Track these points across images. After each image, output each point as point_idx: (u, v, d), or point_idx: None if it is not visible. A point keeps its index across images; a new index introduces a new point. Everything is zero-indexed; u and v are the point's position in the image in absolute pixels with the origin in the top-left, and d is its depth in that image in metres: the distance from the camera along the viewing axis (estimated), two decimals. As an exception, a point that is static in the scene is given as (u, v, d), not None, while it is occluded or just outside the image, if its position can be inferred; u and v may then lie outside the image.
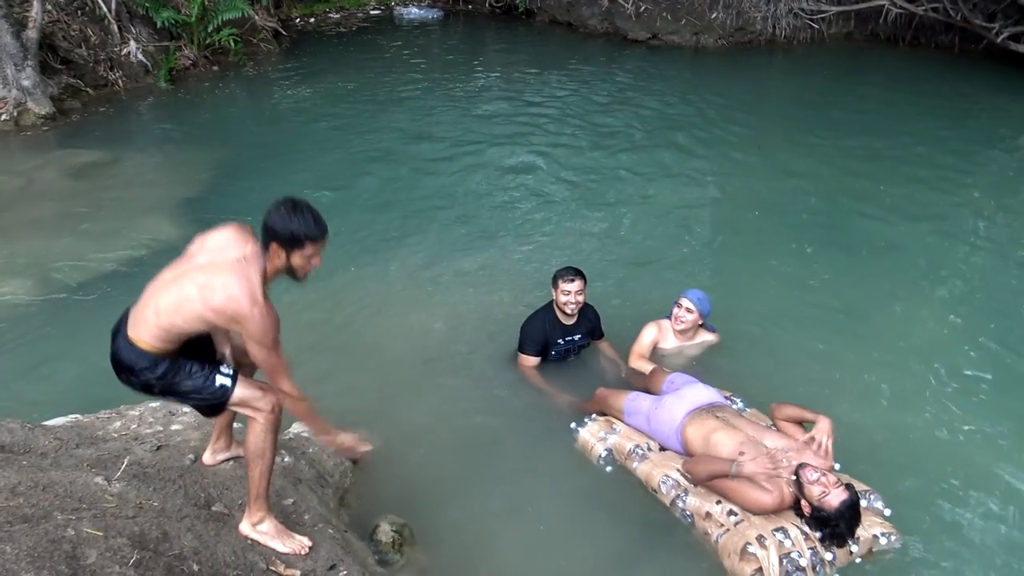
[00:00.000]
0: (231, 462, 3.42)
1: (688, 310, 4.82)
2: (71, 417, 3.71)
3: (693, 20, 12.51)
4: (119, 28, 10.71)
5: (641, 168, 8.23)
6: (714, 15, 12.39)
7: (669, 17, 12.57)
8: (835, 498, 3.41)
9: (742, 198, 7.62)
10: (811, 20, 12.34)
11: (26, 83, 9.29)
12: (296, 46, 12.87)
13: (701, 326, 4.96)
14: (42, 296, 5.80)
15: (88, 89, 10.28)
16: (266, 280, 2.71)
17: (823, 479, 3.46)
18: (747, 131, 9.26)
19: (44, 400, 4.32)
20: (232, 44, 11.47)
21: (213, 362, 2.86)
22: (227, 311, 2.59)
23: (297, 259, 2.70)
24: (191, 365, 2.78)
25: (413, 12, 15.35)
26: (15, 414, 3.47)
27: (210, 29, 11.37)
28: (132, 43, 10.75)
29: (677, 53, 12.40)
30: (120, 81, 10.61)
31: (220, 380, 2.80)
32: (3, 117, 9.17)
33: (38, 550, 2.19)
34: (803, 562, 3.42)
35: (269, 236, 2.67)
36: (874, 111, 9.89)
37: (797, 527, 3.53)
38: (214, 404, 2.85)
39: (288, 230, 2.65)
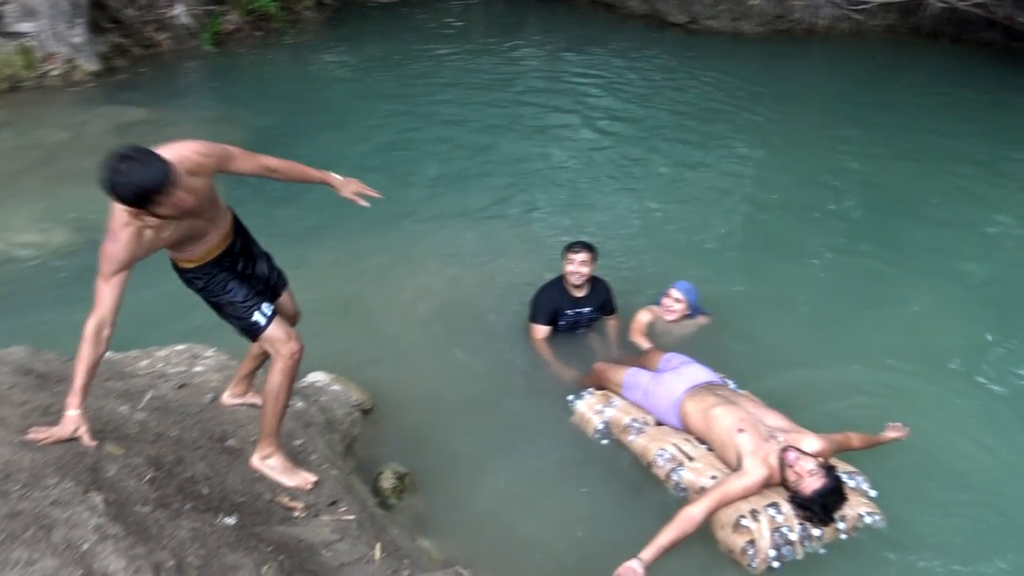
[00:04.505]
0: (246, 407, 3.66)
1: (677, 300, 5.04)
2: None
3: (732, 5, 12.45)
4: (167, -10, 11.01)
5: (670, 152, 8.33)
6: (754, 2, 12.32)
7: (709, 1, 12.54)
8: (808, 486, 3.54)
9: (768, 188, 7.67)
10: (852, 10, 12.20)
11: (76, 40, 9.61)
12: (338, 15, 13.05)
13: (688, 315, 5.14)
14: (84, 243, 6.09)
15: (135, 49, 10.59)
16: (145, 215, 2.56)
17: (798, 467, 3.58)
18: (781, 121, 9.26)
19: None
20: (275, 11, 11.70)
21: (262, 297, 3.08)
22: None
23: (161, 210, 2.51)
24: (230, 284, 3.00)
25: (456, -13, 15.39)
26: (54, 347, 3.72)
27: (255, -5, 11.63)
28: (179, 6, 11.02)
29: (714, 38, 12.37)
30: (166, 42, 10.91)
31: (256, 316, 3.02)
32: (54, 73, 9.51)
33: (64, 460, 2.43)
34: (792, 536, 3.55)
35: (118, 200, 2.47)
36: (912, 108, 9.78)
37: (789, 503, 3.66)
38: (247, 331, 3.08)
39: (133, 193, 2.43)
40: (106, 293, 2.63)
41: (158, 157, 2.48)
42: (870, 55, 11.91)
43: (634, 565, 3.28)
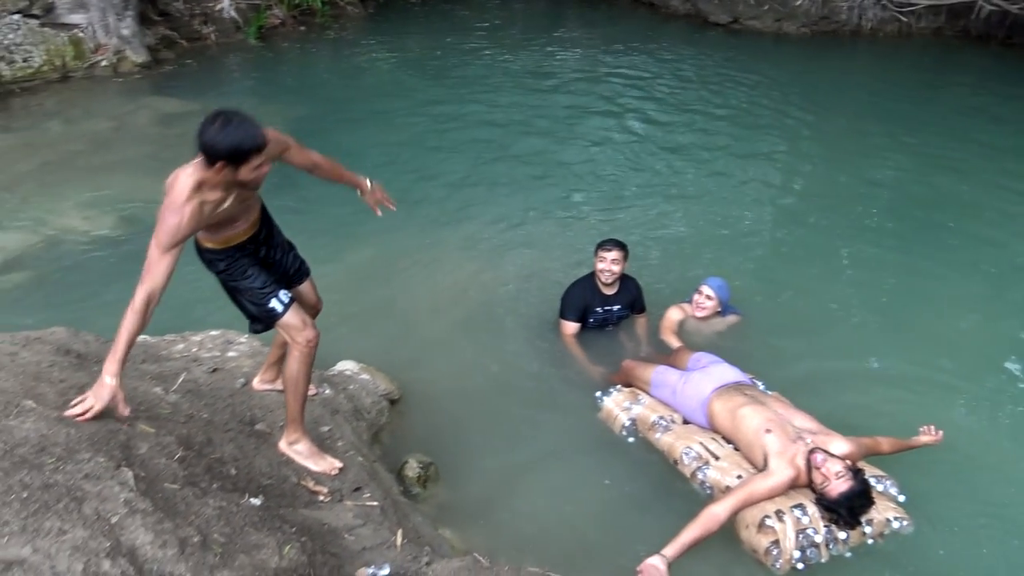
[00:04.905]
0: (275, 393, 3.73)
1: (708, 297, 5.02)
2: (140, 337, 4.07)
3: (776, 6, 12.35)
4: (214, -16, 11.23)
5: (707, 152, 8.30)
6: (798, 2, 12.19)
7: (752, 1, 12.43)
8: (835, 488, 3.51)
9: (807, 190, 7.60)
10: (899, 12, 12.00)
11: (125, 32, 9.85)
12: (380, 12, 13.19)
13: (719, 313, 5.12)
14: (125, 231, 6.26)
15: (182, 41, 10.84)
16: (212, 187, 2.70)
17: (825, 469, 3.55)
18: (822, 123, 9.17)
19: (119, 320, 4.69)
20: (319, 5, 11.86)
21: (279, 285, 3.13)
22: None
23: (244, 172, 2.68)
24: (250, 269, 3.05)
25: (497, -16, 15.42)
26: (93, 329, 3.84)
27: (299, -10, 11.80)
28: (226, 0, 11.23)
29: (757, 39, 12.27)
30: (212, 35, 11.14)
31: (273, 303, 3.07)
32: (103, 63, 9.75)
33: (97, 436, 2.51)
34: (818, 539, 3.53)
35: (211, 154, 2.61)
36: (959, 112, 9.60)
37: (815, 505, 3.63)
38: (263, 318, 3.12)
39: (229, 147, 2.59)
40: (161, 266, 2.67)
41: (256, 122, 2.64)
42: (916, 58, 11.72)
43: (656, 562, 3.27)
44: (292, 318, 3.11)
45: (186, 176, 2.67)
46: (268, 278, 3.10)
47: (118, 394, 2.66)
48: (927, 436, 4.10)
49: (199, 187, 2.67)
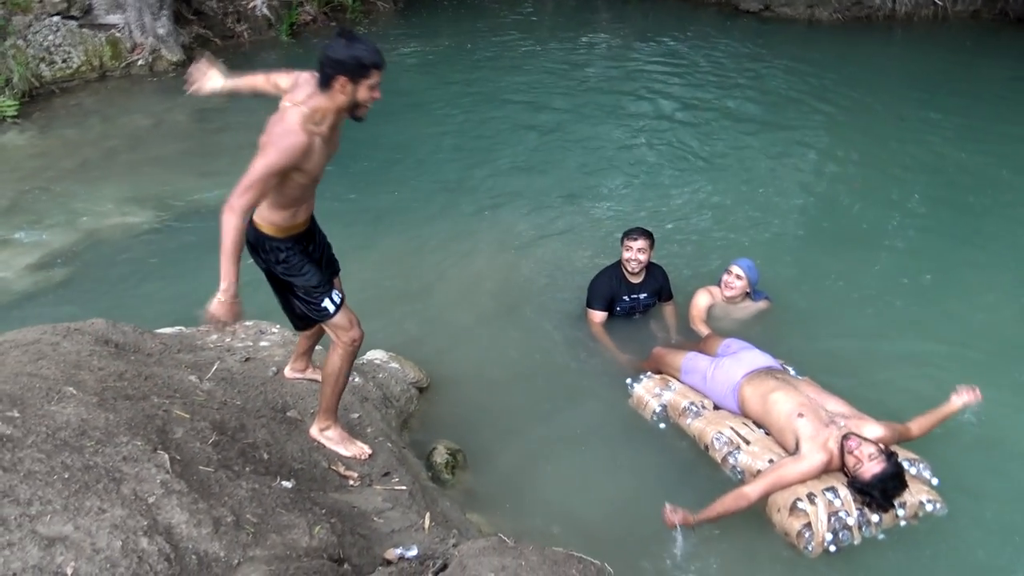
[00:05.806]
0: (306, 381, 3.82)
1: (738, 276, 4.99)
2: (176, 328, 4.21)
3: (809, -8, 12.19)
4: (247, -17, 11.38)
5: (739, 139, 8.24)
6: (831, -13, 12.02)
7: (784, -12, 12.29)
8: (868, 471, 3.51)
9: (841, 177, 7.50)
10: (935, -5, 11.81)
11: (161, 31, 10.02)
12: (410, 6, 13.24)
13: (748, 295, 5.09)
14: (162, 224, 6.41)
15: (216, 40, 10.97)
16: (321, 118, 2.87)
17: (858, 452, 3.55)
18: (856, 110, 9.05)
19: (155, 312, 4.81)
20: (350, 1, 11.96)
21: (331, 285, 3.21)
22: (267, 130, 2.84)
23: (362, 91, 2.84)
24: (307, 266, 3.12)
25: (527, -25, 15.40)
26: (130, 320, 3.94)
27: (331, -15, 11.91)
28: (259, -2, 11.39)
29: (789, 26, 12.13)
30: (245, 33, 11.27)
31: (326, 303, 3.14)
32: (139, 62, 9.93)
33: (135, 421, 2.61)
34: (850, 521, 3.53)
35: (334, 69, 2.78)
36: (997, 98, 9.40)
37: (847, 487, 3.63)
38: (312, 316, 3.20)
39: (354, 57, 2.76)
40: (266, 183, 2.77)
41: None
42: (953, 42, 11.49)
43: (685, 512, 3.44)
44: (341, 318, 3.19)
45: (295, 110, 2.81)
46: (323, 277, 3.17)
47: (239, 307, 2.78)
48: (962, 397, 3.96)
49: (310, 118, 2.80)
